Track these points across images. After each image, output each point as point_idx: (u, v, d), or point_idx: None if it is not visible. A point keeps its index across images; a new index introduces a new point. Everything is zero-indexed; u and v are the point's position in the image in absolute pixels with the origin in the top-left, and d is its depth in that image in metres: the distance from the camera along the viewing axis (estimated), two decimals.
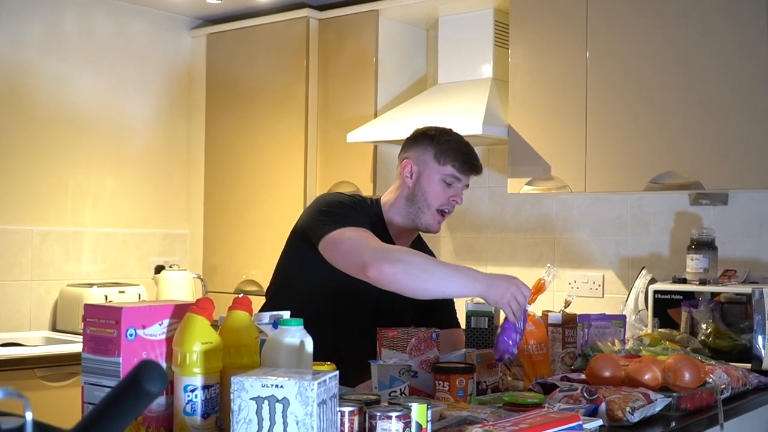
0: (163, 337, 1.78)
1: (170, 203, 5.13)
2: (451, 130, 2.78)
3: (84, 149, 4.73)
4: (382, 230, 2.70)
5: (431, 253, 2.95)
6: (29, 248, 4.49)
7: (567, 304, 2.93)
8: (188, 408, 1.72)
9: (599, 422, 2.03)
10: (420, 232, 2.86)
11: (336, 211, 2.58)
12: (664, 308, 3.46)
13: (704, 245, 3.54)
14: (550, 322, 2.78)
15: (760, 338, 3.16)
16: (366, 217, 2.62)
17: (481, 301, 2.67)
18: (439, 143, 2.71)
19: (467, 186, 2.76)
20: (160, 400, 1.76)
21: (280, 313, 2.04)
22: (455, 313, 2.96)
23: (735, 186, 3.51)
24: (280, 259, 2.78)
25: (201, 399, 1.72)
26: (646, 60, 3.64)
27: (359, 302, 2.65)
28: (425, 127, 2.81)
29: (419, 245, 2.90)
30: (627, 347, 2.81)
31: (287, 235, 2.75)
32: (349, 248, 2.45)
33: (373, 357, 2.39)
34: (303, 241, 2.62)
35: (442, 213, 2.72)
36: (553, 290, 4.06)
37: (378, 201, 2.80)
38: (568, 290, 4.15)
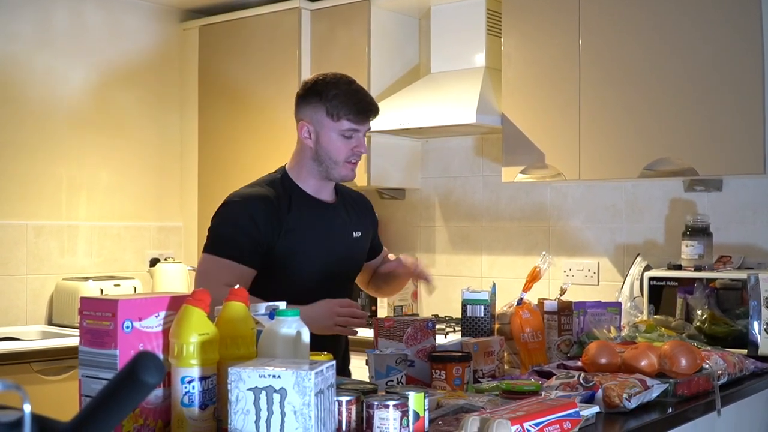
0: (160, 329, 1.78)
1: (164, 196, 5.12)
2: (339, 77, 2.73)
3: (77, 143, 4.72)
4: (298, 196, 2.73)
5: (371, 219, 3.01)
6: (24, 243, 4.49)
7: (562, 291, 2.93)
8: (186, 399, 1.71)
9: (596, 409, 2.04)
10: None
11: (218, 230, 2.67)
12: (660, 295, 3.47)
13: (699, 231, 3.54)
14: (546, 309, 2.79)
15: (755, 324, 3.16)
16: (249, 224, 2.64)
17: (477, 289, 2.68)
18: (328, 99, 2.68)
19: (367, 131, 2.77)
20: (158, 392, 1.76)
21: (277, 303, 2.04)
22: (378, 239, 3.06)
23: (729, 172, 3.51)
24: None
25: (198, 390, 1.72)
26: (639, 47, 3.64)
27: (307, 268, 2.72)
28: (312, 79, 2.76)
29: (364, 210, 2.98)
30: (623, 334, 2.82)
31: None
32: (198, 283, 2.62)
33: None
34: None
35: (352, 162, 2.74)
36: (549, 278, 4.06)
37: (284, 170, 2.80)
38: (564, 278, 4.15)
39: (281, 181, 2.75)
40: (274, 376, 1.54)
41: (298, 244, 2.67)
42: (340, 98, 2.67)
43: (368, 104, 2.72)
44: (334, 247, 2.76)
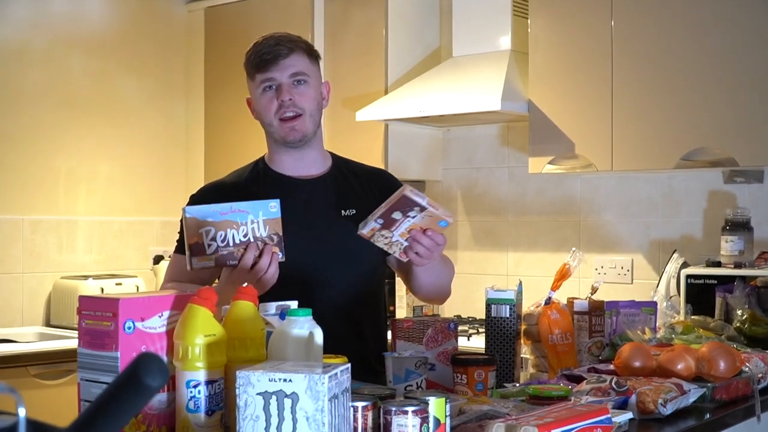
0: (164, 329, 1.78)
1: (169, 189, 5.13)
2: (264, 37, 2.70)
3: (77, 133, 4.74)
4: (266, 178, 2.76)
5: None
6: (20, 239, 4.51)
7: (594, 290, 2.92)
8: (191, 405, 1.72)
9: (629, 415, 2.03)
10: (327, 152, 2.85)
11: (180, 229, 2.72)
12: (697, 294, 3.45)
13: (739, 226, 3.53)
14: (575, 309, 2.78)
15: None
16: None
17: (503, 288, 2.67)
18: (245, 64, 2.68)
19: (296, 77, 2.65)
20: (162, 397, 1.76)
21: (288, 303, 2.04)
22: None
23: None
24: None
25: (204, 395, 1.72)
26: (676, 29, 3.62)
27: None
28: None
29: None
30: (658, 336, 2.80)
31: None
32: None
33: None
34: None
35: (286, 120, 2.65)
36: (579, 276, 4.06)
37: (263, 156, 2.84)
38: (595, 276, 4.14)
39: (253, 167, 2.80)
40: (285, 380, 1.54)
41: None
42: (248, 56, 2.68)
43: (270, 47, 2.64)
44: (310, 227, 2.62)
